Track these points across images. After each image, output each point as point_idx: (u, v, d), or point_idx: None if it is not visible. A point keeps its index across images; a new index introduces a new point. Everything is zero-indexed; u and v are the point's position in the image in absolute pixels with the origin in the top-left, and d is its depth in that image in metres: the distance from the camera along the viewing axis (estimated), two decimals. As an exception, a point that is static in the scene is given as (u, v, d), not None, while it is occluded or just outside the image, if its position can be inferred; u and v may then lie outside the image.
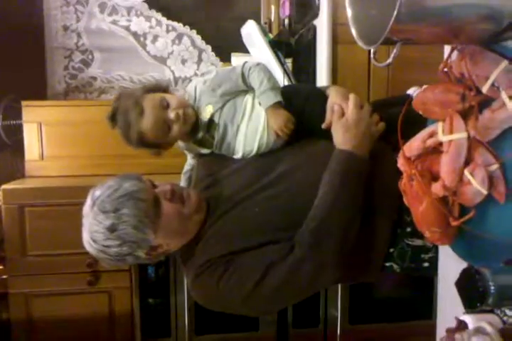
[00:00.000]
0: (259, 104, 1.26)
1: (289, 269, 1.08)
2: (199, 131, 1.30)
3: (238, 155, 1.29)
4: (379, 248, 1.19)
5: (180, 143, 1.38)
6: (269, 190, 1.19)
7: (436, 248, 1.14)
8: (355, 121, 1.18)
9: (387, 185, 1.12)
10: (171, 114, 1.23)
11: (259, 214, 1.16)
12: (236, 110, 1.27)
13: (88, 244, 1.10)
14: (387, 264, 1.22)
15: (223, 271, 1.11)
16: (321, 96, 1.28)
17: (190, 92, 1.31)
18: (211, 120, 1.28)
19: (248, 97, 1.28)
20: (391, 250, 1.21)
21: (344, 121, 1.19)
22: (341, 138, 1.18)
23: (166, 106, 1.24)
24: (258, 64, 1.29)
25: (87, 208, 1.10)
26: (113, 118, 1.24)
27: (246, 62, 1.30)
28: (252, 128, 1.26)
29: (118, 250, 1.07)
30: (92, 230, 1.07)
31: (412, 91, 1.39)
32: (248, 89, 1.28)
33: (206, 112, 1.28)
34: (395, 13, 0.66)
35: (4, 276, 2.33)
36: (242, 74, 1.27)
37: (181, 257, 1.22)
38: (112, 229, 1.05)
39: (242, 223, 1.16)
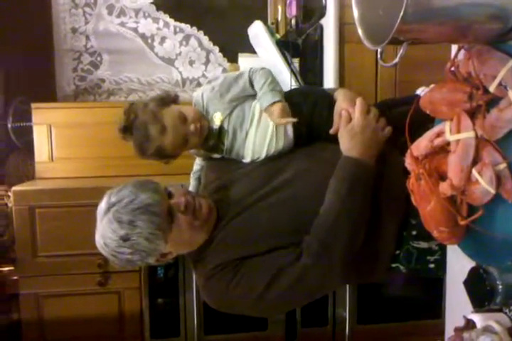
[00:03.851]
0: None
1: (297, 275, 1.09)
2: (210, 138, 1.31)
3: (247, 160, 1.30)
4: (385, 250, 1.20)
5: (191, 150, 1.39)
6: (277, 194, 1.19)
7: (441, 250, 1.14)
8: (361, 127, 1.18)
9: (393, 188, 1.13)
10: (190, 128, 1.24)
11: (268, 220, 1.16)
12: (244, 116, 1.28)
13: (101, 246, 1.12)
14: (394, 265, 1.23)
15: (233, 275, 1.12)
16: (329, 100, 1.28)
17: (198, 99, 1.32)
18: (221, 127, 1.29)
19: (256, 103, 1.29)
20: (397, 252, 1.21)
21: (350, 127, 1.19)
22: (347, 145, 1.18)
23: (184, 120, 1.25)
24: (262, 68, 1.31)
25: (101, 211, 1.11)
26: (126, 130, 1.25)
27: (252, 67, 1.32)
28: (260, 133, 1.27)
29: (129, 257, 1.10)
30: (106, 236, 1.09)
31: (420, 91, 1.39)
32: (255, 93, 1.30)
33: (216, 119, 1.29)
34: (402, 12, 0.66)
35: (15, 277, 2.36)
36: (249, 79, 1.29)
37: (192, 260, 1.24)
38: (125, 238, 1.07)
39: (251, 228, 1.17)
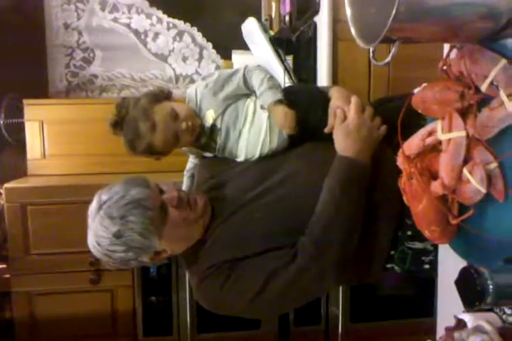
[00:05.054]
0: (261, 107, 1.26)
1: (291, 277, 1.08)
2: (202, 136, 1.30)
3: (241, 159, 1.29)
4: (380, 251, 1.19)
5: (183, 147, 1.38)
6: (271, 194, 1.18)
7: (436, 251, 1.14)
8: (356, 127, 1.17)
9: (388, 188, 1.11)
10: (181, 126, 1.23)
11: (262, 220, 1.15)
12: (238, 115, 1.27)
13: (93, 246, 1.10)
14: (389, 266, 1.22)
15: (227, 276, 1.11)
16: (324, 98, 1.27)
17: (191, 96, 1.31)
18: (213, 125, 1.28)
19: (249, 101, 1.28)
20: (392, 252, 1.21)
21: (345, 126, 1.17)
22: (342, 144, 1.17)
23: (176, 117, 1.23)
24: (258, 66, 1.30)
25: (92, 211, 1.10)
26: (116, 125, 1.24)
27: (247, 65, 1.30)
28: (254, 132, 1.26)
29: (123, 255, 1.08)
30: (98, 235, 1.08)
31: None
32: (250, 92, 1.29)
33: (208, 117, 1.27)
34: (394, 11, 0.66)
35: (7, 275, 2.34)
36: (244, 77, 1.27)
37: (185, 260, 1.22)
38: (118, 235, 1.06)
39: (245, 229, 1.16)
